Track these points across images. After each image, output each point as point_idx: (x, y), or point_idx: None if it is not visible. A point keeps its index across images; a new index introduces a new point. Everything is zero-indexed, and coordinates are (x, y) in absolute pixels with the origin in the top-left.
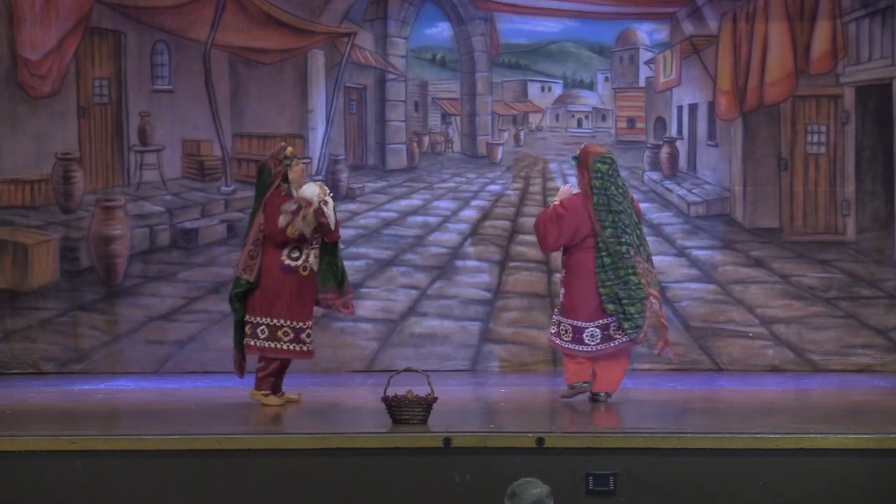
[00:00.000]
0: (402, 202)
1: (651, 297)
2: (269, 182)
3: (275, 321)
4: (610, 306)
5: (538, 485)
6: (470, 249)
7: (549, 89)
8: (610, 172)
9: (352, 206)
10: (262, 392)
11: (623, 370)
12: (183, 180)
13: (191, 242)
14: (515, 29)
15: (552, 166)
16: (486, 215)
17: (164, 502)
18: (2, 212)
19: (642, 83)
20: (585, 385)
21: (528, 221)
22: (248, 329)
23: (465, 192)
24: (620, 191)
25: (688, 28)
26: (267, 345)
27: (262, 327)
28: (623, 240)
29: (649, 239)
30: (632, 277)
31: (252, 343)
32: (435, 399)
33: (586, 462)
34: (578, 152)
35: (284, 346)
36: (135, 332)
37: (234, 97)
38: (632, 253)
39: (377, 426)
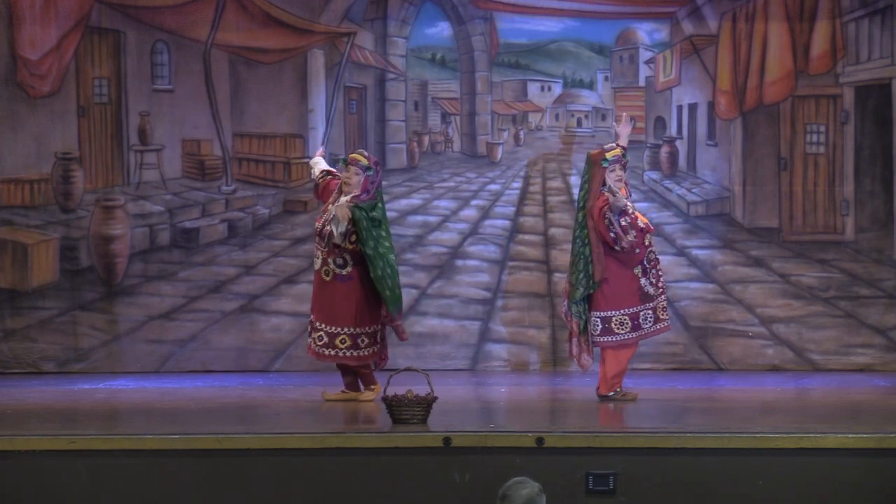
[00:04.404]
0: (402, 201)
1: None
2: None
3: None
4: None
5: (529, 483)
6: (470, 249)
7: (549, 89)
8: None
9: None
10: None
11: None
12: (183, 180)
13: (191, 242)
14: (515, 28)
15: (551, 166)
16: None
17: (164, 502)
18: (2, 211)
19: (642, 83)
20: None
21: (528, 221)
22: None
23: (465, 191)
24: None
25: (687, 28)
26: None
27: None
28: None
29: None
30: None
31: None
32: (435, 398)
33: (586, 462)
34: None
35: None
36: (135, 332)
37: (234, 97)
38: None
39: (377, 426)
